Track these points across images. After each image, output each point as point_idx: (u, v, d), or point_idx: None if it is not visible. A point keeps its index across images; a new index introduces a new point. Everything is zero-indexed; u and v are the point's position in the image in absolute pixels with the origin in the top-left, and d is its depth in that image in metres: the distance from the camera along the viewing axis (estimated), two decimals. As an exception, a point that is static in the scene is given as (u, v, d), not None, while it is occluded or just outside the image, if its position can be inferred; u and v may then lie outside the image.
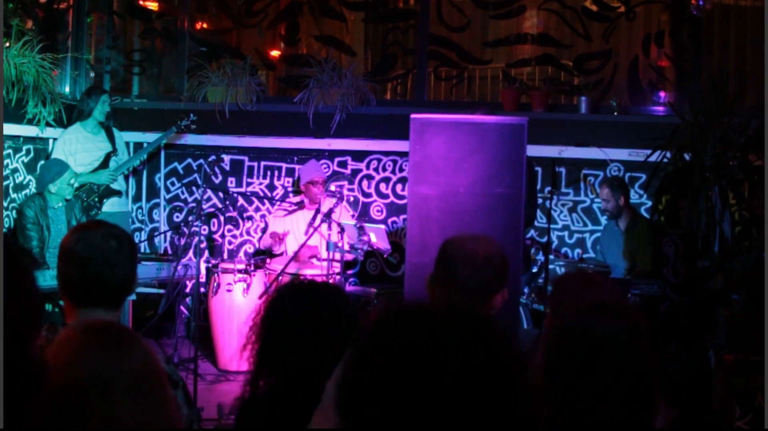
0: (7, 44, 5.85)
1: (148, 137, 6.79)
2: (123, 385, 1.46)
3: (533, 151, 5.86)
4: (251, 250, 6.92)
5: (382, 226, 6.10)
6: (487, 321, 1.03)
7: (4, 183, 5.97)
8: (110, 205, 6.34)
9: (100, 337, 1.52)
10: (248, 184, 6.97)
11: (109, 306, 2.20)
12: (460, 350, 0.96)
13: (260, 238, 6.81)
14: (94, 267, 2.18)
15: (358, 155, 6.79)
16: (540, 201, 5.99)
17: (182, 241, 6.11)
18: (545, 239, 5.55)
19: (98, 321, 1.61)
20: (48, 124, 6.28)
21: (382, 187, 6.78)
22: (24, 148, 6.26)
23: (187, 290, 6.31)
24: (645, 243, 5.75)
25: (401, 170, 6.69)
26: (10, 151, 6.09)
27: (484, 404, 0.94)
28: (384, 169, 6.78)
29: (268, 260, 6.30)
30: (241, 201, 6.98)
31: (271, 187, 6.94)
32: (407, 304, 1.06)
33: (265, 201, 6.89)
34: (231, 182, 6.98)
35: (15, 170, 6.18)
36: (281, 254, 6.35)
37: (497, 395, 0.95)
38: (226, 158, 6.94)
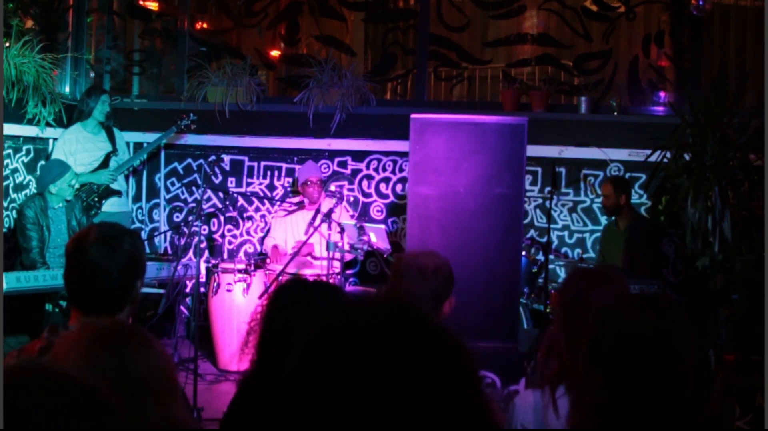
0: (7, 44, 5.84)
1: (148, 137, 6.79)
2: (130, 385, 1.46)
3: (533, 151, 5.86)
4: (251, 250, 6.92)
5: (382, 226, 6.09)
6: (428, 317, 1.01)
7: (4, 183, 5.97)
8: (110, 205, 6.33)
9: (110, 338, 1.52)
10: (248, 184, 6.96)
11: (105, 311, 2.16)
12: (403, 345, 0.93)
13: (262, 239, 6.80)
14: (84, 275, 2.16)
15: (358, 155, 6.78)
16: (540, 201, 5.99)
17: (182, 241, 6.11)
18: (545, 239, 5.56)
19: (107, 322, 1.61)
20: (48, 124, 6.28)
21: (382, 187, 6.78)
22: (24, 148, 6.25)
23: (187, 290, 6.31)
24: (645, 243, 5.75)
25: (401, 170, 6.69)
26: (10, 151, 6.09)
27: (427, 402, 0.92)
28: (384, 169, 6.77)
29: (267, 260, 6.30)
30: (241, 201, 6.98)
31: (271, 187, 6.94)
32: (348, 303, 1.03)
33: (265, 201, 6.88)
34: (231, 182, 6.98)
35: (15, 170, 6.18)
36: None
37: (440, 392, 0.93)
38: (226, 158, 6.94)
